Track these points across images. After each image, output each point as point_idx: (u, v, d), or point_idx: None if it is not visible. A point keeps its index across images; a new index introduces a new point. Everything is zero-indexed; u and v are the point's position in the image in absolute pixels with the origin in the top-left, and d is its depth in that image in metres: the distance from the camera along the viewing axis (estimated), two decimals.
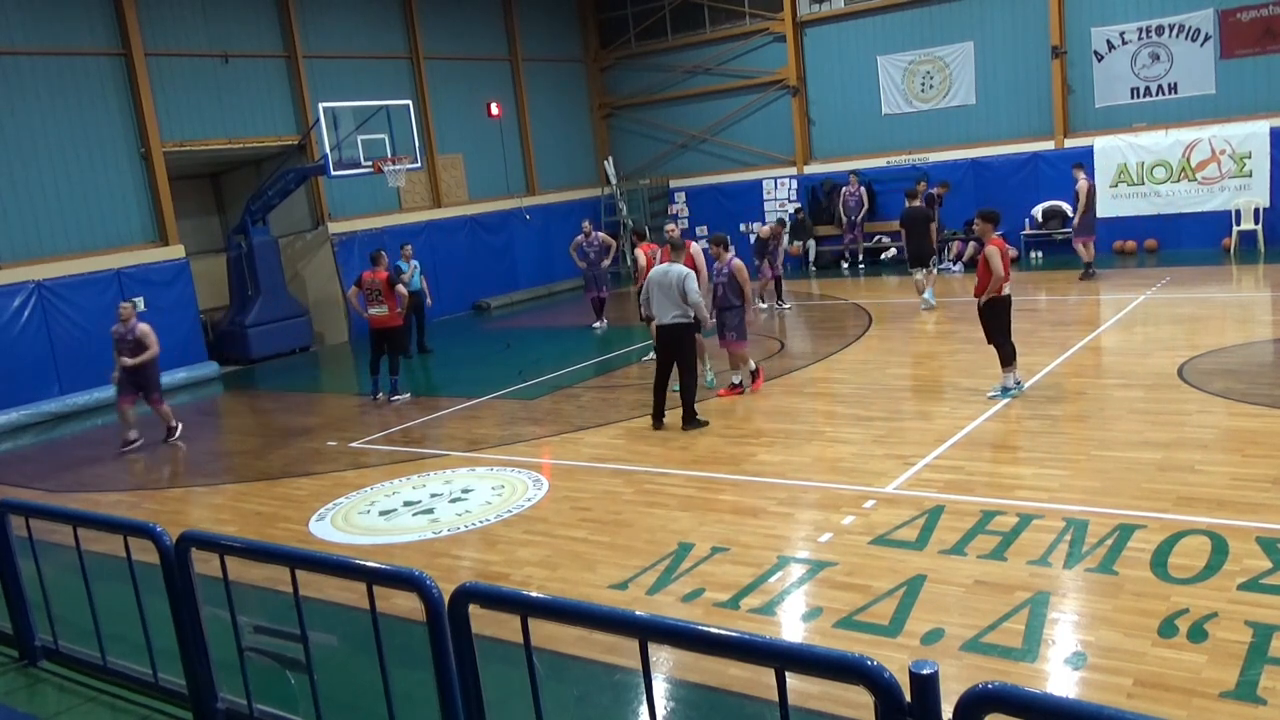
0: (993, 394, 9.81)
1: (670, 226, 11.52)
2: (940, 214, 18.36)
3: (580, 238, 17.15)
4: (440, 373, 14.83)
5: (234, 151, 17.76)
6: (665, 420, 9.99)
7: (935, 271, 16.02)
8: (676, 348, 9.79)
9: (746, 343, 10.98)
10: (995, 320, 9.73)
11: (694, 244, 11.62)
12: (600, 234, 17.24)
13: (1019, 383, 9.86)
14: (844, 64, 21.53)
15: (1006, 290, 9.65)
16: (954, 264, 18.92)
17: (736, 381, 11.08)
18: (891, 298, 17.01)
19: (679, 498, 7.86)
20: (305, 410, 13.26)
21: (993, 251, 9.46)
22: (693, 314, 9.68)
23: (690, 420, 9.85)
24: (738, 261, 10.75)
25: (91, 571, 5.35)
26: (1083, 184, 16.35)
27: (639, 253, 13.10)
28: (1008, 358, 9.76)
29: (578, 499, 8.11)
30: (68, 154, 15.30)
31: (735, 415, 10.26)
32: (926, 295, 15.08)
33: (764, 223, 22.43)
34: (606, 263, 17.16)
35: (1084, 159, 18.81)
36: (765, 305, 16.56)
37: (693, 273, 9.79)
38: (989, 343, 9.90)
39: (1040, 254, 19.26)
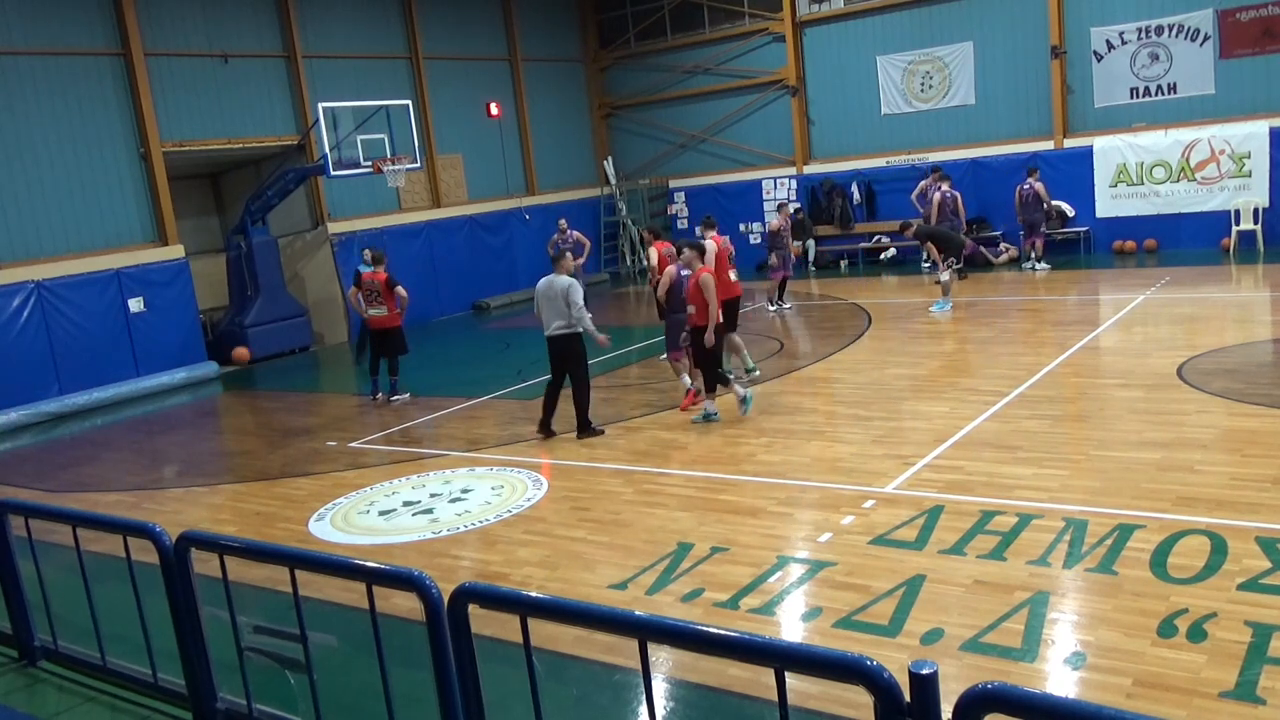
0: (695, 419, 10.01)
1: (713, 235, 11.74)
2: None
3: (556, 235, 18.11)
4: (440, 373, 14.82)
5: (233, 151, 17.77)
6: (555, 430, 10.07)
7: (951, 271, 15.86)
8: (564, 358, 9.85)
9: (681, 353, 10.75)
10: (704, 346, 9.87)
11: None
12: (575, 232, 18.14)
13: (715, 413, 10.03)
14: (843, 64, 21.53)
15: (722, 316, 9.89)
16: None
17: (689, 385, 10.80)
18: (891, 298, 17.02)
19: (679, 498, 7.86)
20: (305, 410, 13.26)
21: (707, 280, 9.69)
22: (578, 324, 9.73)
23: (585, 429, 9.92)
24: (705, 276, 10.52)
25: (91, 571, 5.35)
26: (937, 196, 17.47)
27: (652, 250, 13.28)
28: (712, 384, 10.01)
29: (577, 499, 8.11)
30: (67, 154, 15.30)
31: (735, 415, 10.26)
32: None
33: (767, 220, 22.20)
34: (581, 260, 17.64)
35: (1083, 159, 18.86)
36: (774, 307, 16.56)
37: (576, 283, 9.81)
38: (696, 365, 10.07)
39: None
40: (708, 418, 10.01)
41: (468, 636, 3.60)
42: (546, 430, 10.05)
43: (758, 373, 11.77)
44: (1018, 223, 18.48)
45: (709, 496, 7.82)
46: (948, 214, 18.06)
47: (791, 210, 21.31)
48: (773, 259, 16.44)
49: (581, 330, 9.79)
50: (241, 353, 14.57)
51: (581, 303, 9.73)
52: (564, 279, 9.80)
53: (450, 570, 6.83)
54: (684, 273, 10.54)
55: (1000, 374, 10.68)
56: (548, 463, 9.31)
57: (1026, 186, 17.96)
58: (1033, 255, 18.09)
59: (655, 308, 13.89)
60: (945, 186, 18.30)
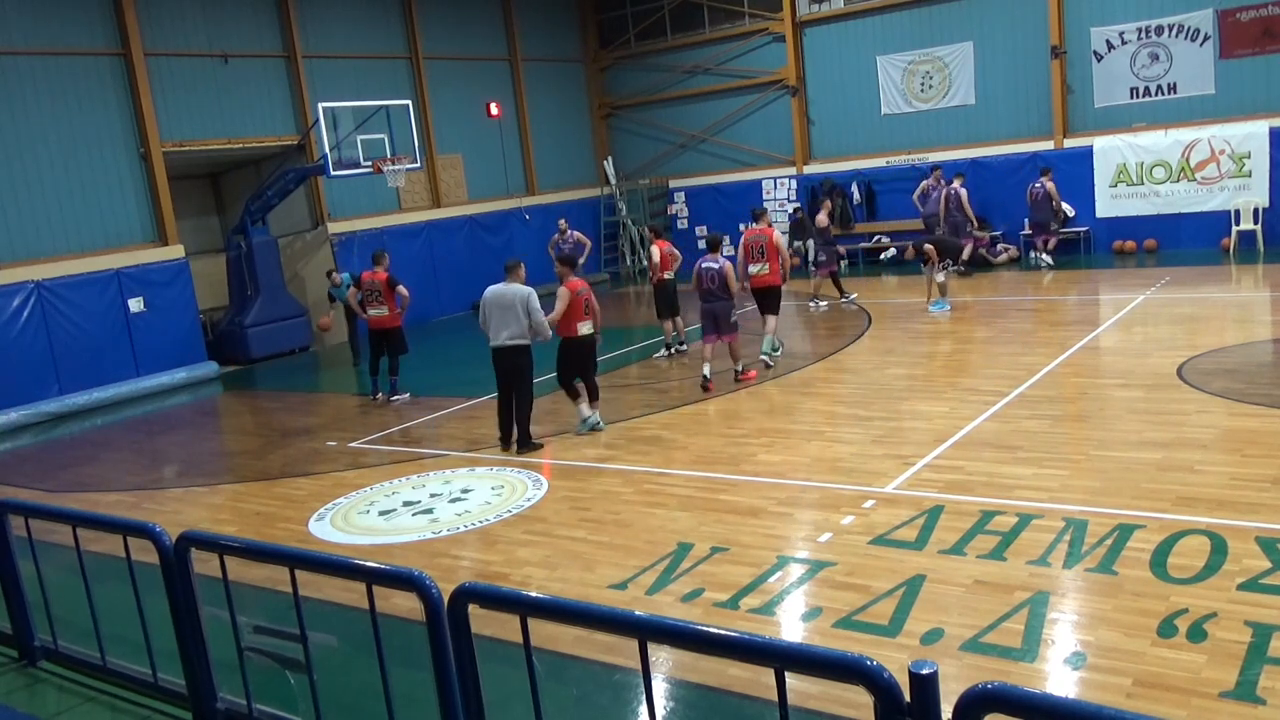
0: (579, 430, 9.99)
1: (755, 226, 12.49)
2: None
3: (556, 235, 18.05)
4: (440, 373, 14.81)
5: (233, 151, 17.77)
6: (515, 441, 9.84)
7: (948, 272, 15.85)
8: (512, 370, 9.61)
9: (736, 336, 11.64)
10: (569, 359, 9.94)
11: (774, 231, 12.54)
12: (575, 233, 17.97)
13: (588, 419, 10.12)
14: (843, 64, 21.53)
15: (583, 330, 9.88)
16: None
17: (740, 369, 11.64)
18: (891, 298, 17.01)
19: (679, 498, 7.86)
20: (305, 410, 13.26)
21: (563, 293, 9.74)
22: (529, 336, 9.58)
23: (525, 443, 9.71)
24: (727, 263, 11.43)
25: (91, 571, 5.35)
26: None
27: (654, 249, 13.38)
28: (593, 392, 10.12)
29: (577, 499, 8.11)
30: (67, 154, 15.30)
31: (735, 415, 10.26)
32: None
33: (791, 212, 21.88)
34: (581, 260, 17.56)
35: (1083, 159, 18.85)
36: (844, 299, 16.44)
37: (533, 291, 9.61)
38: (559, 380, 10.11)
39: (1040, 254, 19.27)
40: (589, 425, 10.04)
41: (468, 636, 3.60)
42: (508, 443, 9.79)
43: (770, 361, 12.20)
44: (1030, 221, 18.47)
45: (709, 496, 7.82)
46: (952, 210, 18.09)
47: (791, 210, 21.34)
48: (822, 255, 16.53)
49: (530, 343, 9.62)
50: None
51: (542, 311, 9.58)
52: (522, 287, 9.55)
53: (450, 570, 6.83)
54: (706, 265, 11.40)
55: (1000, 374, 10.67)
56: (548, 463, 9.31)
57: (1038, 185, 17.99)
58: (1043, 252, 18.09)
59: (654, 308, 13.93)
60: (957, 184, 18.25)
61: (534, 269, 22.49)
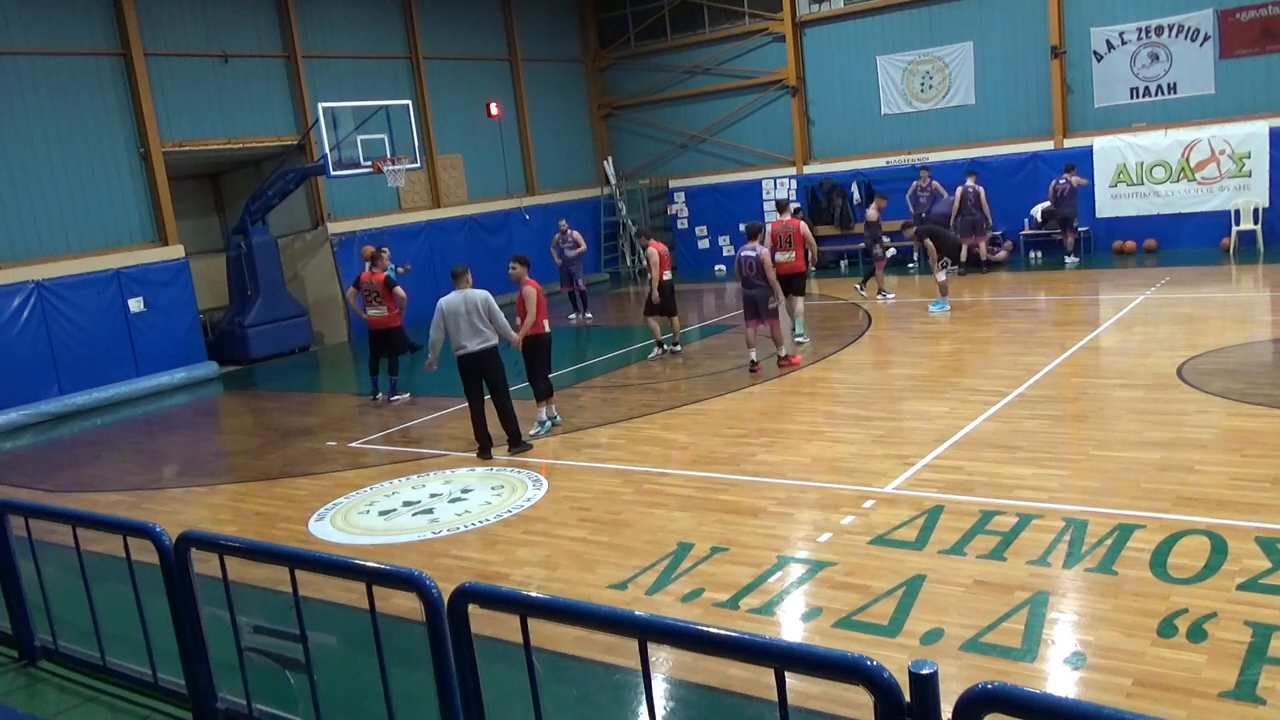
0: (534, 432, 9.98)
1: (783, 218, 13.45)
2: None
3: (557, 235, 18.24)
4: (440, 372, 14.79)
5: (233, 151, 17.76)
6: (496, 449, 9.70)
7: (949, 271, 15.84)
8: (485, 373, 9.49)
9: (777, 322, 12.09)
10: (533, 357, 10.01)
11: (802, 224, 13.37)
12: (574, 233, 18.12)
13: (554, 418, 10.31)
14: (843, 64, 21.53)
15: (546, 328, 10.00)
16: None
17: (784, 354, 12.14)
18: (891, 297, 16.99)
19: (679, 498, 7.86)
20: (305, 410, 13.26)
21: (530, 293, 9.80)
22: (496, 337, 9.51)
23: (517, 443, 9.65)
24: (765, 252, 11.93)
25: (91, 571, 5.35)
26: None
27: (652, 250, 13.33)
28: (542, 393, 10.15)
29: (577, 499, 8.11)
30: (67, 154, 15.30)
31: (735, 415, 10.27)
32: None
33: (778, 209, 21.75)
34: (576, 255, 18.00)
35: (1084, 159, 18.84)
36: (892, 297, 16.45)
37: (489, 294, 9.52)
38: (529, 379, 10.19)
39: (1040, 254, 19.28)
40: (542, 425, 10.10)
41: (468, 636, 3.60)
42: (488, 452, 9.61)
43: (804, 341, 13.27)
44: (1054, 217, 18.43)
45: (709, 496, 7.82)
46: (969, 208, 18.12)
47: (792, 211, 21.30)
48: (876, 249, 16.71)
49: (497, 343, 9.56)
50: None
51: (501, 312, 9.55)
52: (480, 292, 9.48)
53: (450, 570, 6.82)
54: (745, 254, 11.86)
55: (1000, 374, 10.67)
56: (548, 463, 9.31)
57: (1063, 181, 18.01)
58: (1070, 253, 18.16)
59: (648, 307, 13.85)
60: (971, 181, 18.26)
61: (534, 268, 22.52)
